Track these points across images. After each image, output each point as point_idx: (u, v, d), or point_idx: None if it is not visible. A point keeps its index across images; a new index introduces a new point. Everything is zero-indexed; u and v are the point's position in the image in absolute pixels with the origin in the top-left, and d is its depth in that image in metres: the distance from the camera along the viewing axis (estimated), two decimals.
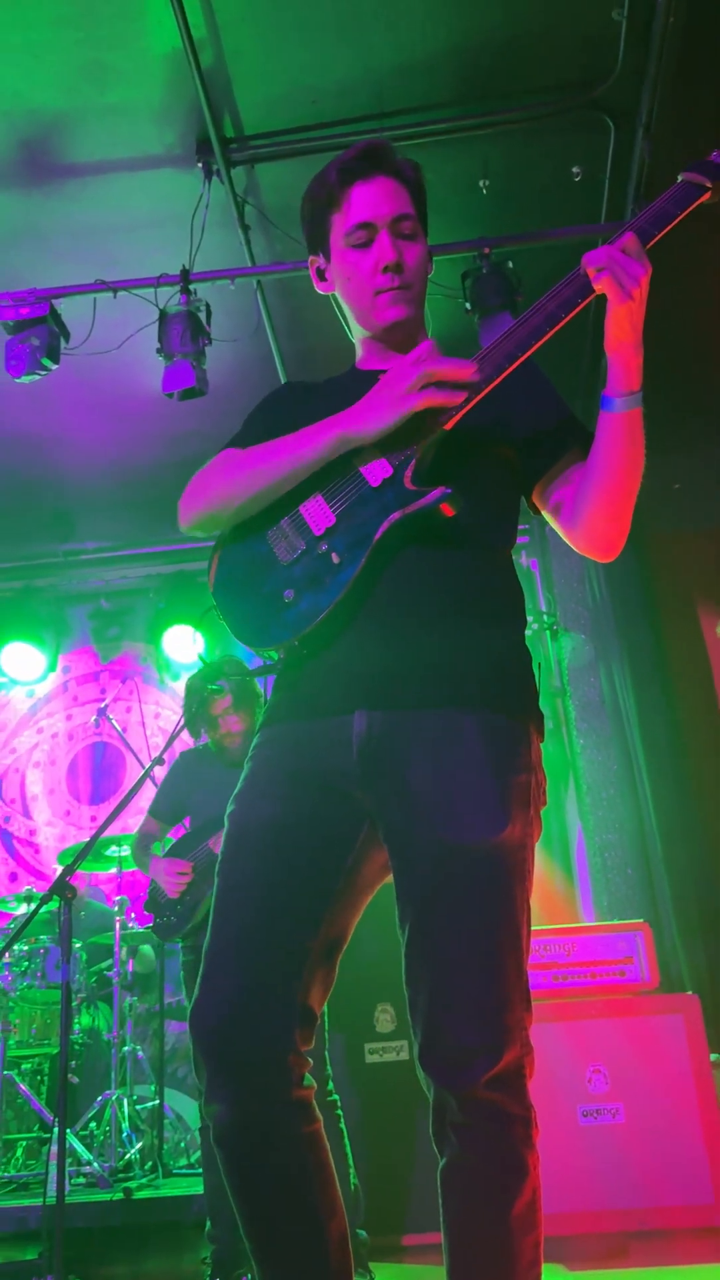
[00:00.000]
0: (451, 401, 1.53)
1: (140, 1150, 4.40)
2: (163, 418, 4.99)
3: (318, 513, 1.63)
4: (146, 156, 3.91)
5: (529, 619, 6.11)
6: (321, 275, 1.83)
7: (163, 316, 4.08)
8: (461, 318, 4.10)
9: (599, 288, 1.50)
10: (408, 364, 1.55)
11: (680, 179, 1.54)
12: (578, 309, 1.53)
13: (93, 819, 6.44)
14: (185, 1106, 4.95)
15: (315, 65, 3.62)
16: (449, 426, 1.58)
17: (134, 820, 3.95)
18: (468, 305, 4.04)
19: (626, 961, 3.65)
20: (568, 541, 1.75)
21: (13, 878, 6.43)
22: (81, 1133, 4.43)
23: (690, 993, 3.72)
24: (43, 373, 4.01)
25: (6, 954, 4.65)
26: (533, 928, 1.54)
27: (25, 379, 4.02)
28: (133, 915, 4.91)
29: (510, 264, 4.02)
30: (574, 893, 5.62)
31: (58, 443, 5.46)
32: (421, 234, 1.76)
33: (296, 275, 4.13)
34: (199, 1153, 4.03)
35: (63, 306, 4.11)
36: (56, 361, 4.04)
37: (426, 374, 1.52)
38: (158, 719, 6.60)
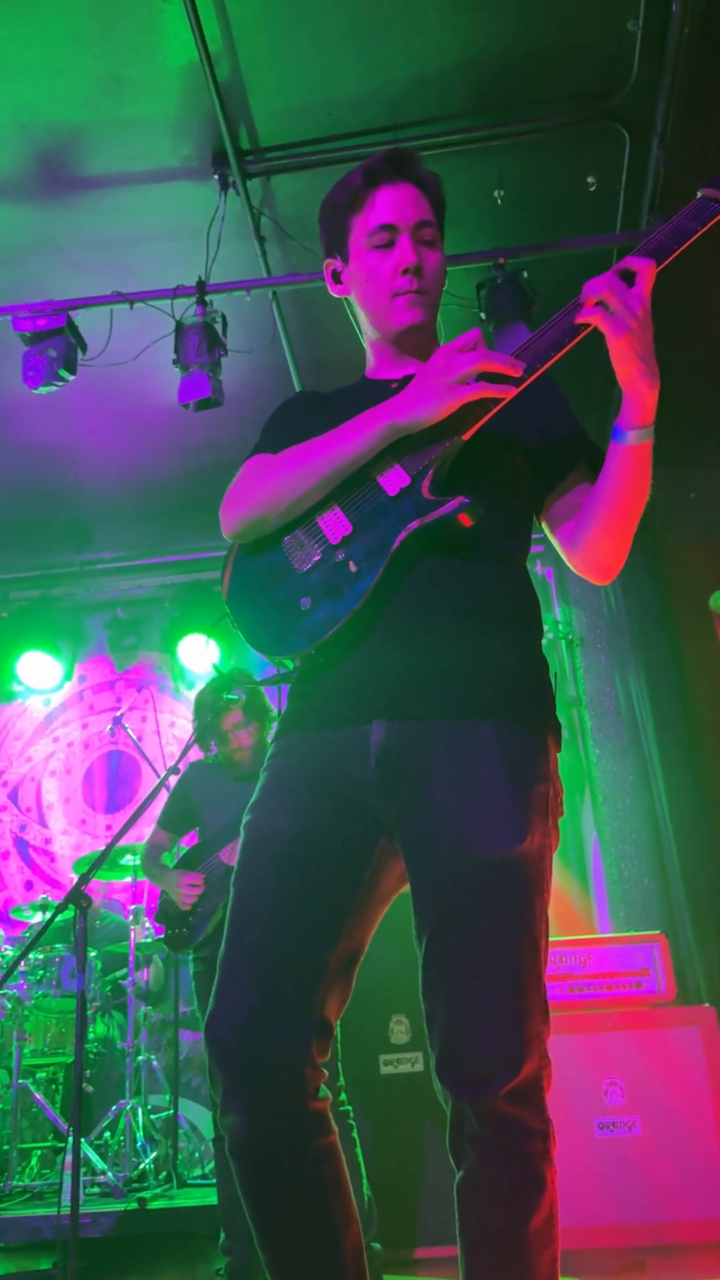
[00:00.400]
0: (502, 394, 1.51)
1: (154, 1160, 4.39)
2: (179, 428, 5.01)
3: (334, 521, 1.63)
4: (163, 169, 3.93)
5: (544, 628, 6.10)
6: (337, 278, 1.83)
7: (179, 328, 4.10)
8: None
9: (581, 320, 1.47)
10: (453, 351, 1.52)
11: (700, 195, 1.53)
12: (582, 335, 1.52)
13: (108, 828, 6.46)
14: (199, 1116, 4.94)
15: (330, 77, 3.64)
16: (467, 436, 1.58)
17: (149, 830, 3.96)
18: (483, 315, 4.05)
19: (643, 973, 3.63)
20: (565, 559, 1.74)
21: (28, 886, 6.44)
22: (96, 1142, 4.43)
23: (707, 1005, 3.70)
24: (60, 384, 4.04)
25: (22, 962, 4.65)
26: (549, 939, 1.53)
27: (43, 390, 4.04)
28: (148, 925, 4.92)
29: (525, 274, 4.03)
30: (590, 904, 5.60)
31: (74, 453, 5.48)
32: (441, 244, 1.77)
33: (312, 286, 4.15)
34: (213, 1163, 4.03)
35: (79, 318, 4.14)
36: (74, 372, 4.07)
37: (479, 367, 1.50)
38: (173, 728, 6.61)
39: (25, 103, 3.65)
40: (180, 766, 3.45)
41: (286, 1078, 1.45)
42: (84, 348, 4.15)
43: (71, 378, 4.06)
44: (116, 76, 3.58)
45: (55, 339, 4.02)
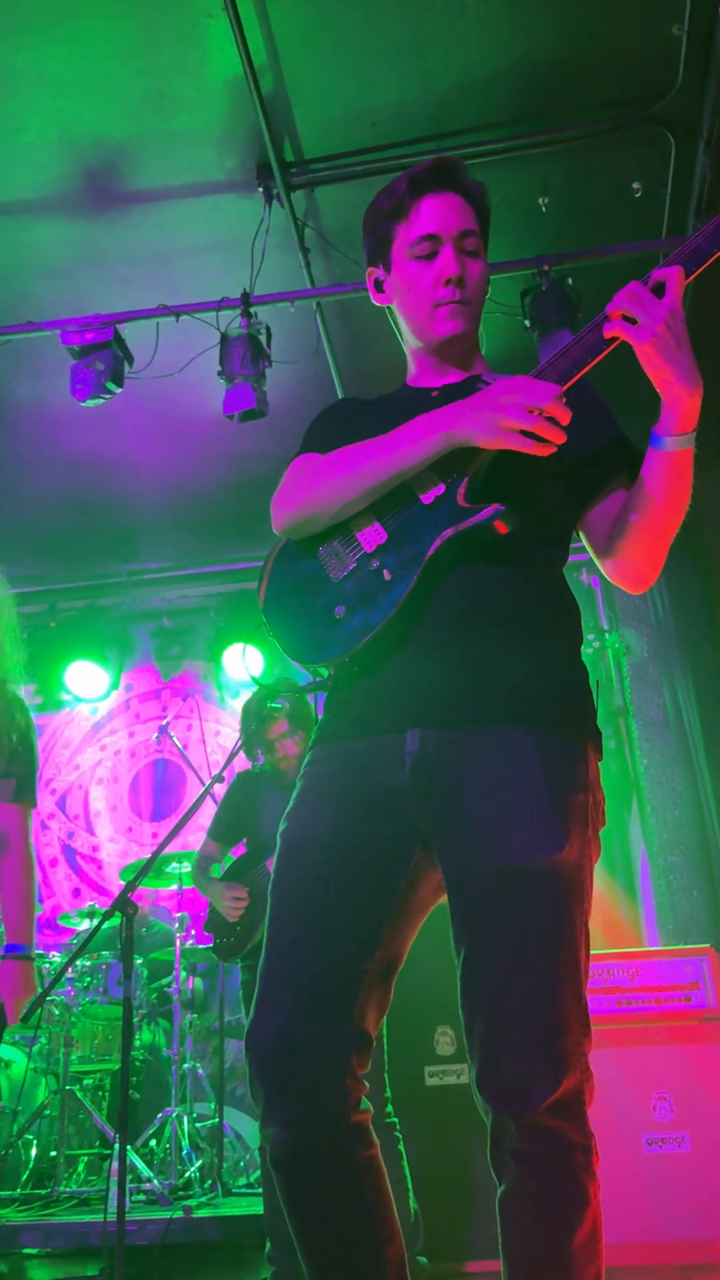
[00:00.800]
0: (544, 452, 1.49)
1: (200, 1168, 4.40)
2: (223, 439, 5.05)
3: (369, 530, 1.63)
4: (208, 182, 3.97)
5: (590, 637, 6.06)
6: (379, 286, 1.83)
7: (224, 340, 4.14)
8: (520, 336, 4.09)
9: (608, 334, 1.46)
10: (523, 398, 1.47)
11: None
12: (609, 349, 1.50)
13: (154, 835, 6.50)
14: (244, 1125, 4.94)
15: (373, 88, 3.65)
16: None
17: (195, 838, 3.98)
18: (527, 323, 4.03)
19: (692, 987, 3.58)
20: (599, 567, 1.72)
21: (76, 894, 6.50)
22: (142, 1150, 4.44)
23: None
24: (107, 396, 4.08)
25: (69, 969, 4.69)
26: (596, 951, 1.51)
27: (90, 403, 4.09)
28: (193, 932, 4.94)
29: (570, 281, 4.01)
30: (638, 916, 5.53)
31: (121, 465, 5.54)
32: (484, 253, 1.76)
33: (355, 297, 4.16)
34: (258, 1172, 4.03)
35: (126, 331, 4.19)
36: (121, 385, 4.11)
37: (531, 427, 1.47)
38: (218, 736, 6.65)
39: (72, 119, 3.70)
40: (226, 776, 3.47)
41: (326, 1089, 1.45)
42: (130, 361, 4.19)
43: (119, 390, 4.11)
44: (161, 91, 3.62)
45: (102, 352, 4.07)
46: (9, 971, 2.54)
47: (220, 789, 3.73)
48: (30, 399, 4.94)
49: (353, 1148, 1.46)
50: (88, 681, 6.63)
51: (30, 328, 4.22)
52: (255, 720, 3.57)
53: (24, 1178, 4.37)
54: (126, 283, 4.31)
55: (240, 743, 3.50)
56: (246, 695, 4.09)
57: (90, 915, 5.11)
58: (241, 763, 3.75)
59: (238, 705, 6.53)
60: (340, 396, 4.86)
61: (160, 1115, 4.57)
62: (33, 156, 3.81)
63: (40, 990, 4.64)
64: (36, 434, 5.22)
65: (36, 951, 4.92)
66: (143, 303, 4.18)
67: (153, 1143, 4.54)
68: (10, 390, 4.86)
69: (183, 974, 4.80)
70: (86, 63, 3.51)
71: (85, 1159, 4.52)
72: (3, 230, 4.11)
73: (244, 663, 6.09)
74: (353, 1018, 1.48)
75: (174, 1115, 4.45)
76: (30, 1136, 4.49)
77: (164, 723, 5.91)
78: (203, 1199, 4.15)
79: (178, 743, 5.58)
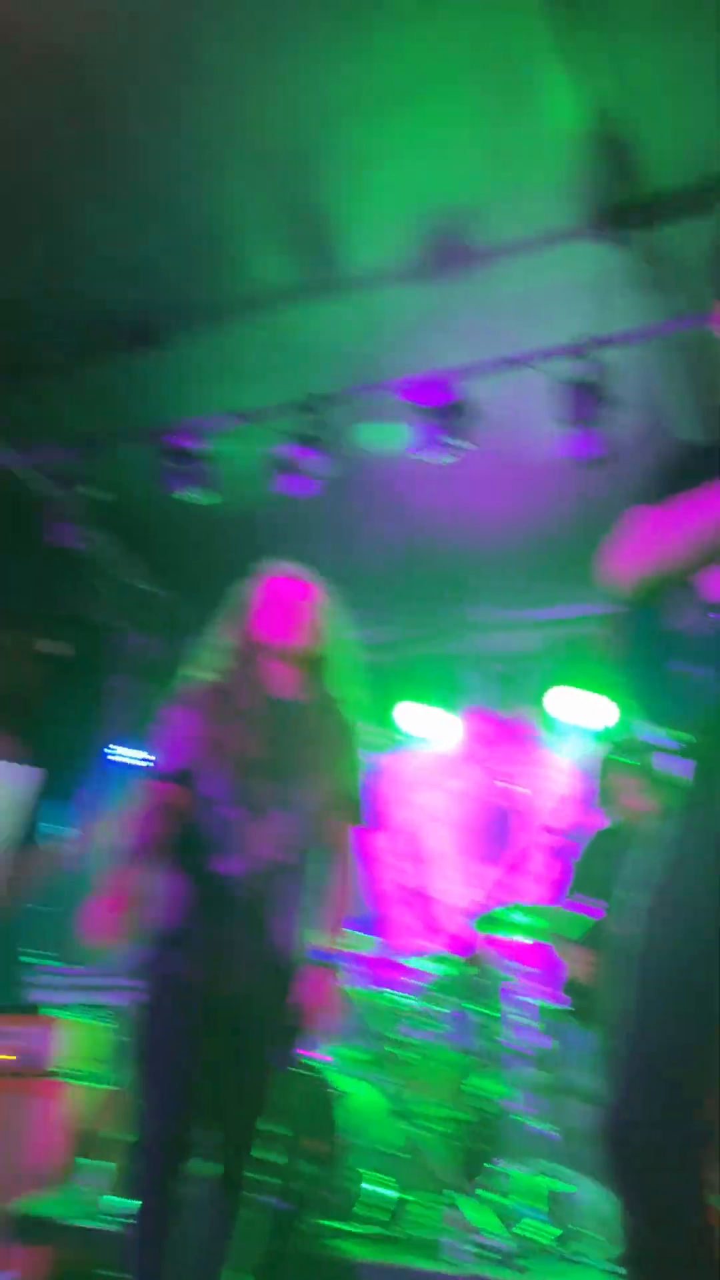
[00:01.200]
0: None
1: (539, 1231, 4.28)
2: (565, 485, 5.00)
3: (717, 581, 1.54)
4: (551, 231, 3.99)
5: None
6: None
7: (567, 385, 4.12)
8: None
9: None
10: None
11: None
12: None
13: (491, 881, 6.49)
14: (588, 1191, 4.76)
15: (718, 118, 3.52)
16: None
17: (537, 888, 3.93)
18: None
19: None
20: None
21: (414, 932, 6.61)
22: (483, 1203, 4.38)
23: None
24: (455, 455, 4.18)
25: (419, 1013, 4.77)
26: None
27: (437, 460, 4.20)
28: (538, 987, 4.85)
29: None
30: None
31: (459, 514, 5.66)
32: None
33: (701, 334, 4.01)
34: (594, 1241, 3.85)
35: (468, 384, 4.28)
36: (468, 440, 4.20)
37: None
38: (552, 784, 6.56)
39: (418, 187, 3.88)
40: (572, 829, 3.41)
41: (681, 1188, 1.39)
42: (476, 416, 4.27)
43: (465, 445, 4.20)
44: (504, 148, 3.71)
45: (448, 409, 4.18)
46: (321, 978, 2.57)
47: (558, 842, 3.67)
48: (376, 455, 5.16)
49: (700, 1248, 1.38)
50: (424, 723, 6.81)
51: (383, 388, 4.42)
52: (608, 776, 3.49)
53: (366, 1215, 4.45)
54: (468, 337, 4.41)
55: (590, 796, 3.44)
56: (579, 743, 4.00)
57: (439, 960, 5.15)
58: (602, 820, 3.67)
59: (570, 752, 6.42)
60: (688, 436, 4.68)
61: (500, 1170, 4.50)
62: (382, 227, 4.03)
63: (382, 1031, 4.76)
64: (382, 488, 5.44)
65: (377, 988, 5.07)
66: (483, 355, 4.27)
67: (493, 1196, 4.47)
68: (359, 448, 5.10)
69: (530, 1028, 4.72)
70: (430, 131, 3.67)
71: (427, 1204, 4.53)
72: (354, 300, 4.35)
73: (583, 710, 6.00)
74: (710, 1112, 1.40)
75: (516, 1172, 4.36)
76: (372, 1173, 4.57)
77: (499, 767, 5.92)
78: (544, 1264, 4.03)
79: (513, 788, 5.56)
